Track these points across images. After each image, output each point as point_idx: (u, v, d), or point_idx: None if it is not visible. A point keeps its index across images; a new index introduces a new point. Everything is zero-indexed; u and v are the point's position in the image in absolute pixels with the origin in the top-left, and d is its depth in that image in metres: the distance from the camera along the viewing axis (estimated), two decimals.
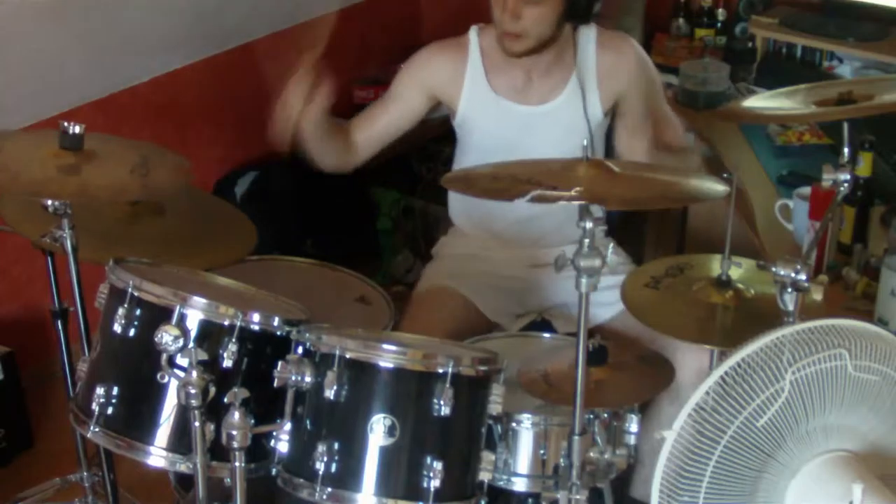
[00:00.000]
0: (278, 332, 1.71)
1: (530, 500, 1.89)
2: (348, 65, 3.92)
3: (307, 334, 1.69)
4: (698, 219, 3.09)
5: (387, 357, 1.64)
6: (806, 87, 2.08)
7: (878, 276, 2.02)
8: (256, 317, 1.70)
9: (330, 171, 2.36)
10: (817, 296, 1.73)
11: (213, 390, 1.60)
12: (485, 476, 1.71)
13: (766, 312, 1.72)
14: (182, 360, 1.61)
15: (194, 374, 1.59)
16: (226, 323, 1.68)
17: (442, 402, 1.62)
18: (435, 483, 1.63)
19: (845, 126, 1.87)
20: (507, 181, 1.67)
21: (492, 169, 1.79)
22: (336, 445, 1.64)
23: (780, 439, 1.41)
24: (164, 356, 1.61)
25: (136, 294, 1.70)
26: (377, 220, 3.64)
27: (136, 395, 1.71)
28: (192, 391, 1.58)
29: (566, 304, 2.35)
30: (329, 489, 1.63)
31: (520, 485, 1.80)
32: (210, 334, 1.67)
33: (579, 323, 1.58)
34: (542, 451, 1.78)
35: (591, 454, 1.71)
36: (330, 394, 1.63)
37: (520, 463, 1.79)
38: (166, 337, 1.60)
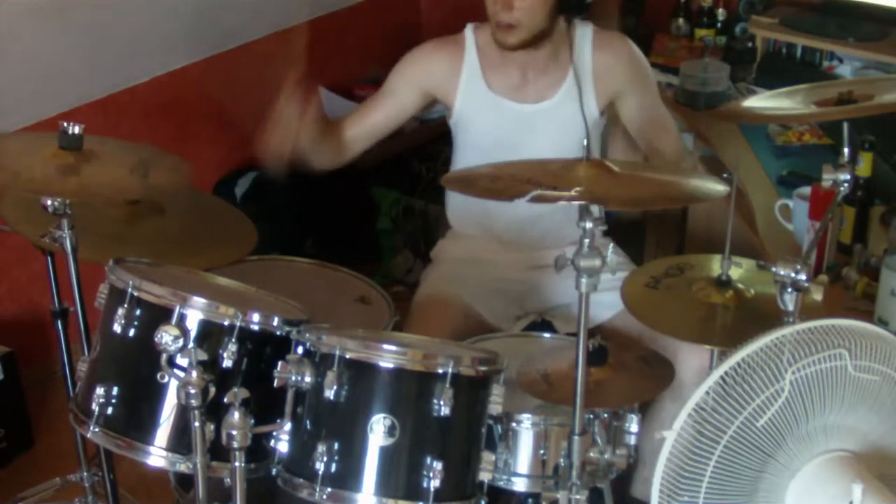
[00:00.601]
0: (278, 332, 1.71)
1: (530, 500, 1.89)
2: (348, 65, 3.93)
3: (307, 334, 1.69)
4: (698, 219, 3.09)
5: (387, 357, 1.64)
6: (806, 87, 2.08)
7: (878, 276, 2.02)
8: (256, 317, 1.69)
9: (322, 170, 2.36)
10: (817, 296, 1.73)
11: (213, 390, 1.60)
12: (485, 476, 1.71)
13: (766, 312, 1.72)
14: (182, 360, 1.61)
15: (194, 374, 1.59)
16: (226, 323, 1.68)
17: (442, 403, 1.62)
18: (435, 483, 1.63)
19: (845, 126, 1.87)
20: (506, 181, 1.67)
21: (491, 169, 1.79)
22: (336, 445, 1.64)
23: (780, 439, 1.41)
24: (164, 356, 1.61)
25: (135, 294, 1.70)
26: (377, 220, 3.64)
27: (135, 395, 1.71)
28: (192, 391, 1.58)
29: (566, 305, 2.35)
30: (329, 489, 1.63)
31: (520, 485, 1.80)
32: (210, 334, 1.67)
33: (579, 323, 1.58)
34: (542, 451, 1.78)
35: (591, 454, 1.71)
36: (330, 394, 1.63)
37: (520, 463, 1.79)
38: (166, 337, 1.60)
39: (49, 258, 2.21)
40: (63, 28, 2.82)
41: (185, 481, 2.07)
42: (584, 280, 1.54)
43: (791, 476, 1.43)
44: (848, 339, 1.43)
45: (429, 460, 1.64)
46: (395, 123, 2.41)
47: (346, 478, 1.64)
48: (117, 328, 1.70)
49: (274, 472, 1.71)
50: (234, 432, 1.59)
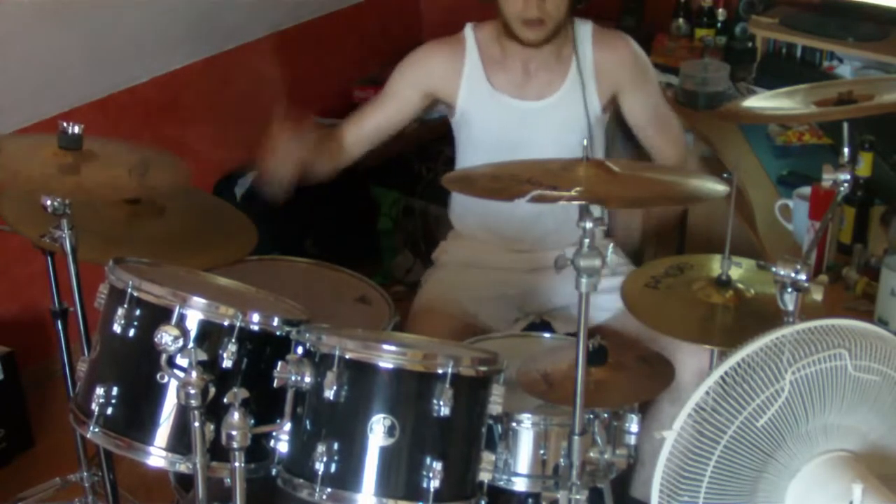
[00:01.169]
0: (278, 332, 1.71)
1: (530, 500, 1.89)
2: (348, 65, 3.93)
3: (307, 334, 1.69)
4: (698, 219, 3.09)
5: (387, 357, 1.64)
6: (806, 87, 2.08)
7: (878, 276, 2.02)
8: (256, 317, 1.69)
9: (323, 177, 2.36)
10: (817, 296, 1.73)
11: (212, 390, 1.60)
12: (485, 476, 1.71)
13: (766, 312, 1.72)
14: (182, 361, 1.61)
15: (194, 374, 1.59)
16: (225, 323, 1.68)
17: (442, 403, 1.62)
18: (435, 483, 1.63)
19: (845, 126, 1.86)
20: (506, 181, 1.67)
21: (492, 169, 1.79)
22: (336, 446, 1.64)
23: (780, 439, 1.41)
24: (164, 356, 1.61)
25: (135, 294, 1.69)
26: (377, 220, 3.64)
27: (135, 395, 1.71)
28: (192, 391, 1.58)
29: (566, 307, 2.34)
30: (329, 489, 1.63)
31: (520, 485, 1.80)
32: (210, 334, 1.67)
33: (579, 323, 1.58)
34: (542, 451, 1.78)
35: (591, 454, 1.71)
36: (330, 394, 1.63)
37: (520, 463, 1.79)
38: (166, 337, 1.60)
39: (49, 258, 2.21)
40: (63, 28, 2.82)
41: (185, 481, 2.07)
42: (584, 280, 1.54)
43: (791, 476, 1.43)
44: (848, 339, 1.43)
45: (429, 460, 1.63)
46: (396, 126, 2.41)
47: (346, 478, 1.64)
48: (117, 328, 1.70)
49: (274, 472, 1.71)
50: (234, 432, 1.59)
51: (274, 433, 1.69)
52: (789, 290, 1.58)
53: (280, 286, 1.95)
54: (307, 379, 1.65)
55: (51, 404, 2.96)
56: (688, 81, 3.10)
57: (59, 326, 2.19)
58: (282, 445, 1.68)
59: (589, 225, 1.52)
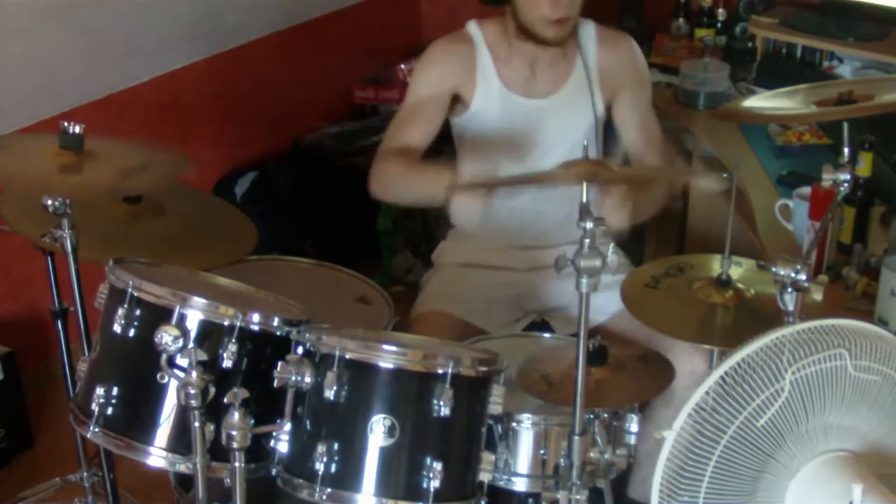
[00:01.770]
0: (278, 333, 1.71)
1: (530, 500, 1.89)
2: (348, 65, 3.93)
3: (307, 334, 1.69)
4: (698, 219, 3.09)
5: (387, 357, 1.64)
6: (806, 87, 2.08)
7: (878, 276, 2.02)
8: (256, 317, 1.69)
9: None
10: (817, 296, 1.73)
11: (212, 390, 1.60)
12: (485, 476, 1.71)
13: (766, 312, 1.72)
14: (182, 361, 1.61)
15: (194, 374, 1.59)
16: (226, 323, 1.68)
17: (442, 403, 1.62)
18: (435, 483, 1.63)
19: (845, 126, 1.86)
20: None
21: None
22: (336, 446, 1.64)
23: (780, 439, 1.41)
24: (164, 356, 1.61)
25: (135, 294, 1.69)
26: (377, 220, 3.64)
27: (135, 395, 1.71)
28: (192, 391, 1.58)
29: (566, 307, 2.34)
30: (329, 489, 1.63)
31: (520, 485, 1.80)
32: (210, 334, 1.67)
33: (579, 323, 1.58)
34: (542, 451, 1.78)
35: (591, 454, 1.71)
36: (330, 394, 1.63)
37: (520, 463, 1.79)
38: (166, 337, 1.59)
39: (49, 258, 2.20)
40: (63, 28, 2.82)
41: (185, 481, 2.07)
42: (584, 280, 1.54)
43: (791, 476, 1.43)
44: (848, 339, 1.43)
45: (429, 461, 1.63)
46: (436, 133, 2.33)
47: (346, 478, 1.64)
48: (117, 328, 1.70)
49: (274, 472, 1.71)
50: (234, 432, 1.59)
51: (274, 433, 1.68)
52: (789, 290, 1.58)
53: (280, 286, 1.95)
54: (307, 379, 1.65)
55: (51, 404, 2.97)
56: (688, 81, 3.10)
57: (59, 326, 2.19)
58: (282, 445, 1.68)
59: (589, 225, 1.52)
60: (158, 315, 1.66)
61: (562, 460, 1.69)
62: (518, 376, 1.79)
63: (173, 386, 1.64)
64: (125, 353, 1.73)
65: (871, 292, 2.05)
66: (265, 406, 1.68)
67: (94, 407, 1.70)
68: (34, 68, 2.85)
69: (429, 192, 2.02)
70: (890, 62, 2.95)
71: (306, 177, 3.61)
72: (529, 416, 1.78)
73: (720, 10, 3.46)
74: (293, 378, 1.65)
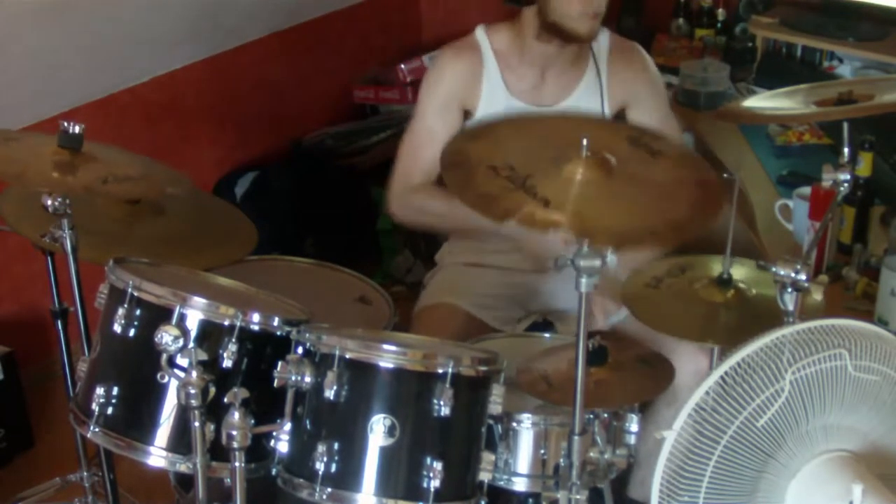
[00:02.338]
0: (278, 332, 1.71)
1: (530, 500, 1.89)
2: (348, 65, 3.93)
3: (307, 334, 1.69)
4: None
5: (387, 357, 1.64)
6: (806, 87, 2.08)
7: (878, 276, 2.02)
8: (256, 317, 1.69)
9: None
10: (817, 296, 1.74)
11: (213, 390, 1.60)
12: (485, 476, 1.71)
13: (767, 312, 1.72)
14: (182, 360, 1.61)
15: (194, 374, 1.59)
16: (226, 323, 1.68)
17: (442, 403, 1.62)
18: (435, 483, 1.63)
19: (845, 126, 1.87)
20: (502, 181, 1.62)
21: (490, 151, 1.68)
22: (336, 445, 1.64)
23: (780, 439, 1.41)
24: (164, 356, 1.61)
25: (135, 294, 1.70)
26: (377, 220, 3.64)
27: (135, 395, 1.71)
28: (192, 391, 1.58)
29: (567, 310, 2.34)
30: (329, 489, 1.63)
31: (520, 485, 1.79)
32: (210, 334, 1.67)
33: (579, 323, 1.58)
34: (542, 451, 1.78)
35: (591, 454, 1.71)
36: (330, 394, 1.63)
37: (520, 463, 1.79)
38: (166, 337, 1.60)
39: (49, 258, 2.21)
40: (63, 28, 2.82)
41: (185, 481, 2.07)
42: (584, 280, 1.53)
43: (791, 476, 1.43)
44: (848, 339, 1.43)
45: (429, 460, 1.64)
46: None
47: (346, 478, 1.64)
48: (117, 328, 1.70)
49: (274, 472, 1.71)
50: (234, 432, 1.59)
51: (274, 433, 1.68)
52: (789, 290, 1.58)
53: (280, 286, 1.95)
54: (307, 379, 1.65)
55: (51, 404, 2.96)
56: (688, 81, 3.11)
57: (60, 326, 2.19)
58: (282, 445, 1.68)
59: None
60: (158, 315, 1.66)
61: (562, 460, 1.69)
62: (518, 376, 1.79)
63: (173, 386, 1.64)
64: (125, 353, 1.73)
65: (871, 292, 2.05)
66: (265, 406, 1.68)
67: (95, 407, 1.70)
68: (34, 68, 2.84)
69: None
70: (890, 62, 2.95)
71: (306, 177, 3.61)
72: (529, 416, 1.78)
73: (720, 10, 3.46)
74: (293, 378, 1.65)
